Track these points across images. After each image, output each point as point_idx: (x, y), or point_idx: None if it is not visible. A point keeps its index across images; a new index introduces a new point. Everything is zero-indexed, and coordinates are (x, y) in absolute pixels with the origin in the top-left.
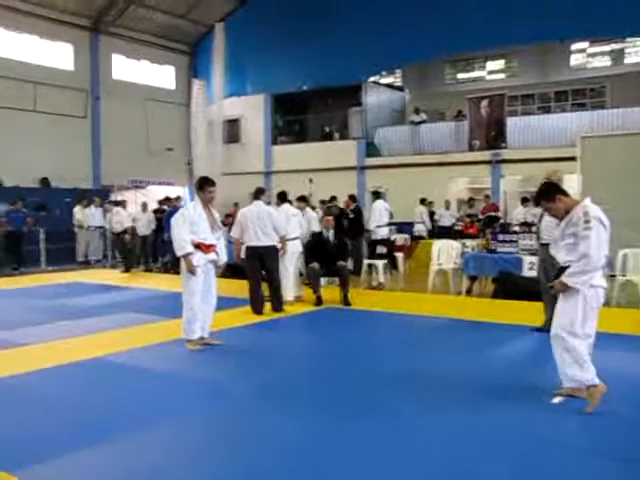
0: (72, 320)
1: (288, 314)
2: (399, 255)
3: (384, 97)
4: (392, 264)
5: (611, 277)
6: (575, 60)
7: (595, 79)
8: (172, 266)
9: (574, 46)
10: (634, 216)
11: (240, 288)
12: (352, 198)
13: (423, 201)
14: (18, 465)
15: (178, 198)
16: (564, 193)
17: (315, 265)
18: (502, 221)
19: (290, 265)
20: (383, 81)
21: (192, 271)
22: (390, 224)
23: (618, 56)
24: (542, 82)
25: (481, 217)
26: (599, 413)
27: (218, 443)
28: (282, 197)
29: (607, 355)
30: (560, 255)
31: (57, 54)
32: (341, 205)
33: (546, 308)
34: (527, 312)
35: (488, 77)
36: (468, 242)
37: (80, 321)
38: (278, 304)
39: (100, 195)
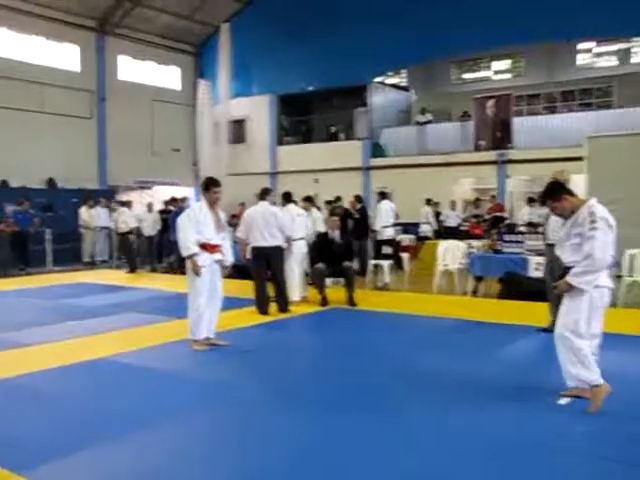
0: (78, 320)
1: (294, 314)
2: (405, 255)
3: (390, 97)
4: (398, 264)
5: (618, 277)
6: (582, 60)
7: (602, 79)
8: (177, 266)
9: (580, 46)
10: None
11: (246, 288)
12: (358, 198)
13: (429, 201)
14: (26, 465)
15: (184, 199)
16: (570, 193)
17: (321, 265)
18: (508, 221)
19: (296, 265)
20: (389, 81)
21: (197, 272)
22: (396, 224)
23: (625, 56)
24: (548, 82)
25: (487, 217)
26: (605, 414)
27: (225, 443)
28: (287, 197)
29: (613, 356)
30: (565, 255)
31: (63, 55)
32: (347, 205)
33: (552, 308)
34: (533, 313)
35: (494, 77)
36: (474, 242)
37: (86, 321)
38: (284, 304)
39: (106, 196)
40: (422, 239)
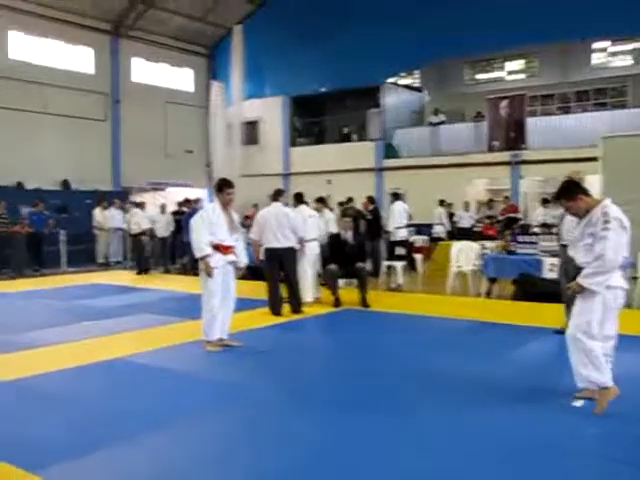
0: (92, 321)
1: (307, 315)
2: (418, 257)
3: (403, 98)
4: (411, 266)
5: (633, 279)
6: (596, 59)
7: (616, 78)
8: (191, 268)
9: (595, 45)
10: None
11: (259, 289)
12: (370, 199)
13: (442, 202)
14: (41, 465)
15: (198, 200)
16: (585, 192)
17: (333, 267)
18: (522, 222)
19: (309, 267)
20: (401, 82)
21: (209, 273)
22: (409, 225)
23: None
24: (562, 82)
25: (500, 218)
26: (616, 416)
27: (239, 444)
28: (298, 198)
29: (628, 358)
30: (578, 256)
31: (78, 58)
32: (359, 206)
33: (566, 310)
34: (547, 314)
35: (508, 77)
36: (487, 244)
37: (100, 322)
38: (297, 305)
39: (120, 197)
40: (435, 240)
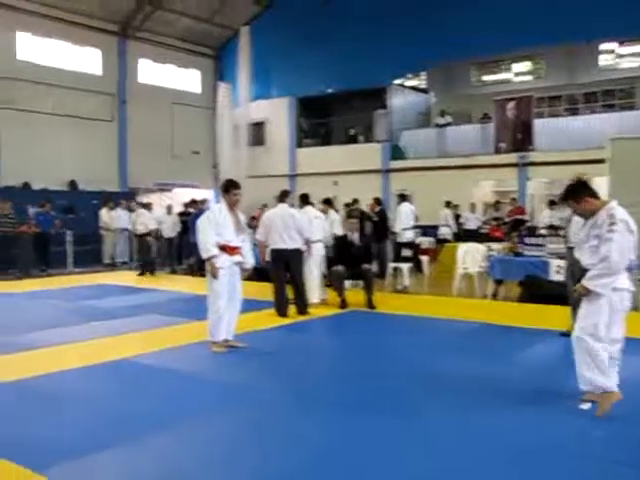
0: (98, 321)
1: (313, 317)
2: (424, 258)
3: (409, 100)
4: (417, 267)
5: None
6: (604, 61)
7: (624, 80)
8: (197, 268)
9: (602, 46)
10: None
11: (265, 291)
12: (377, 201)
13: (448, 204)
14: (47, 465)
15: (204, 201)
16: (593, 193)
17: (340, 268)
18: (529, 224)
19: (315, 268)
20: (408, 84)
21: (215, 274)
22: (415, 227)
23: None
24: (570, 83)
25: (507, 220)
26: (621, 419)
27: (245, 445)
28: (304, 199)
29: (635, 361)
30: (584, 257)
31: (86, 59)
32: (365, 208)
33: (573, 312)
34: (554, 316)
35: (515, 79)
36: (494, 245)
37: (106, 322)
38: (303, 307)
39: (126, 198)
40: (442, 242)
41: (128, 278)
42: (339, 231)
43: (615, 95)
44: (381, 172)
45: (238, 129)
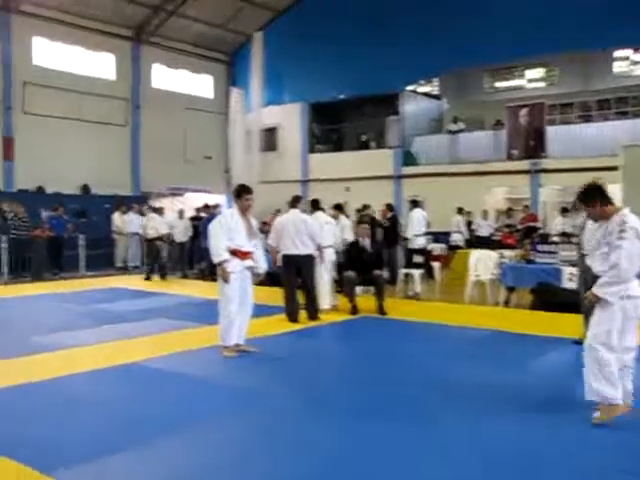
0: (110, 325)
1: (323, 322)
2: (436, 265)
3: (421, 106)
4: (429, 274)
5: None
6: (618, 67)
7: (638, 87)
8: (208, 273)
9: (617, 53)
10: None
11: (276, 296)
12: (389, 207)
13: (460, 211)
14: (56, 467)
15: (216, 205)
16: (606, 199)
17: (351, 274)
18: (541, 231)
19: (325, 273)
20: (420, 90)
21: (226, 279)
22: (427, 233)
23: None
24: (584, 90)
25: (520, 227)
26: (632, 428)
27: (256, 450)
28: (315, 205)
29: None
30: (595, 264)
31: (100, 64)
32: (377, 214)
33: (585, 320)
34: (566, 324)
35: (528, 85)
36: (506, 252)
37: (118, 326)
38: (314, 312)
39: (139, 202)
40: (453, 248)
41: (140, 282)
42: (350, 237)
43: (628, 102)
44: (393, 178)
45: (250, 134)
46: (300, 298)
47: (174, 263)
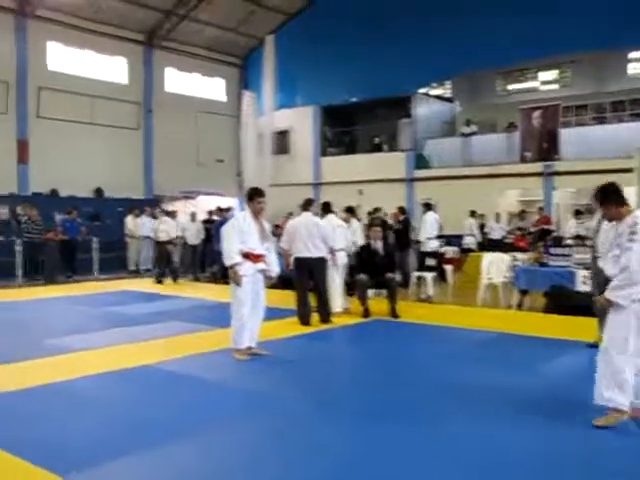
0: (122, 328)
1: (335, 325)
2: (448, 268)
3: (434, 109)
4: (441, 277)
5: None
6: (633, 69)
7: None
8: (221, 276)
9: (632, 55)
10: None
11: (288, 299)
12: (401, 210)
13: (473, 213)
14: (66, 469)
15: (229, 209)
16: (621, 200)
17: (363, 277)
18: (555, 234)
19: (337, 276)
20: (433, 92)
21: (237, 281)
22: (440, 236)
23: None
24: (598, 92)
25: (533, 230)
26: None
27: (267, 454)
28: (326, 208)
29: None
30: (607, 267)
31: (112, 68)
32: (389, 217)
33: (600, 324)
34: (580, 327)
35: (541, 87)
36: (519, 255)
37: (130, 329)
38: (326, 315)
39: (151, 205)
40: (466, 251)
41: (152, 285)
42: (360, 240)
43: None
44: (405, 181)
45: (262, 137)
46: (312, 301)
47: (186, 266)
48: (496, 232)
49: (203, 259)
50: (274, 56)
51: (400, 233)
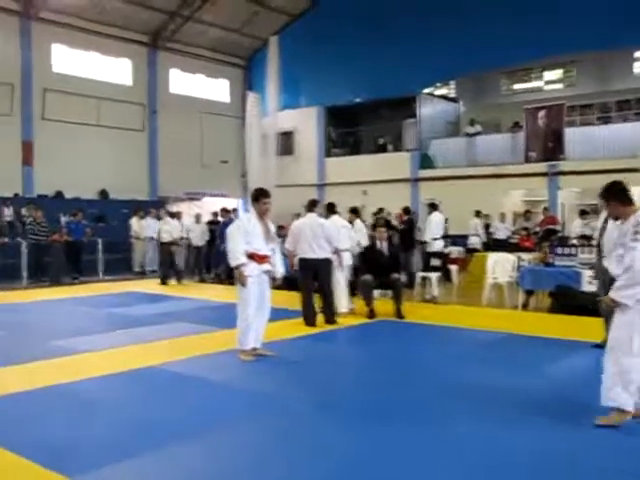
0: (128, 329)
1: (341, 326)
2: (453, 268)
3: (438, 109)
4: (446, 277)
5: None
6: (638, 68)
7: None
8: (226, 277)
9: (637, 53)
10: None
11: (293, 300)
12: (406, 210)
13: (478, 213)
14: (72, 470)
15: (235, 210)
16: (627, 199)
17: (368, 277)
18: (560, 234)
19: (342, 277)
20: (437, 92)
21: (243, 282)
22: (444, 236)
23: None
24: (603, 91)
25: (538, 230)
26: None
27: (272, 454)
28: (330, 208)
29: None
30: (612, 267)
31: (117, 70)
32: (394, 217)
33: (606, 324)
34: (586, 327)
35: (546, 87)
36: (524, 255)
37: (135, 330)
38: (331, 316)
39: (156, 206)
40: (471, 251)
41: (157, 286)
42: (363, 240)
43: None
44: (410, 181)
45: (267, 138)
46: (317, 302)
47: (191, 267)
48: (501, 232)
49: (208, 260)
50: (278, 57)
51: (404, 233)
